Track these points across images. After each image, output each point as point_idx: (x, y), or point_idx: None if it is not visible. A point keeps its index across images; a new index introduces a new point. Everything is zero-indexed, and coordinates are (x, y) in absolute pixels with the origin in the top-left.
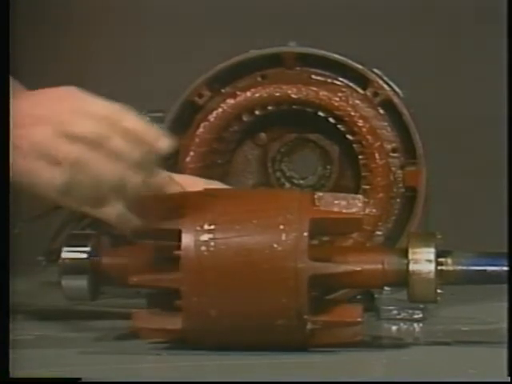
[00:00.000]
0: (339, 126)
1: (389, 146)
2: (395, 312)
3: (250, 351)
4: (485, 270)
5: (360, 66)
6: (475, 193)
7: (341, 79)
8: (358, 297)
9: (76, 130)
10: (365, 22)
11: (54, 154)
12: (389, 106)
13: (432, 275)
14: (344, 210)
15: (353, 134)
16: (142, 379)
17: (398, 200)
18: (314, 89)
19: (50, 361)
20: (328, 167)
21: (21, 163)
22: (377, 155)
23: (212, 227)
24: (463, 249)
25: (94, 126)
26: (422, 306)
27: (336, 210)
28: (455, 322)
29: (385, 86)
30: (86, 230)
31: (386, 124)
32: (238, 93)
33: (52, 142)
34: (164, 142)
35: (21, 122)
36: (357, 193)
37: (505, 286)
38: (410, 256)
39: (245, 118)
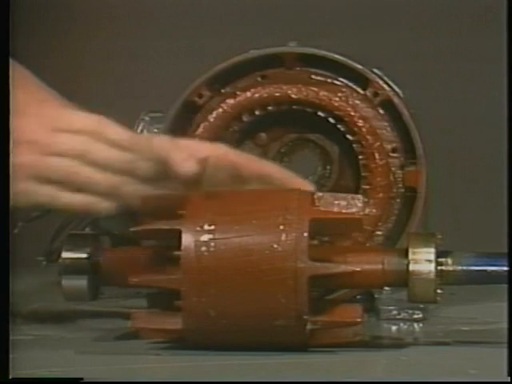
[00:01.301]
0: (339, 126)
1: (389, 146)
2: (395, 312)
3: (249, 351)
4: (485, 270)
5: (360, 66)
6: (475, 193)
7: (341, 79)
8: (358, 297)
9: (57, 148)
10: (365, 21)
11: (42, 173)
12: (389, 105)
13: (432, 275)
14: (344, 210)
15: (353, 134)
16: (141, 379)
17: (398, 200)
18: (314, 89)
19: (50, 361)
20: (328, 167)
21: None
22: (377, 155)
23: (212, 227)
24: (463, 249)
25: (74, 142)
26: (421, 306)
27: (336, 210)
28: (455, 322)
29: (385, 86)
30: (86, 230)
31: (386, 124)
32: (238, 93)
33: (38, 161)
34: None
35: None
36: (357, 193)
37: (505, 286)
38: (410, 256)
39: (245, 118)
